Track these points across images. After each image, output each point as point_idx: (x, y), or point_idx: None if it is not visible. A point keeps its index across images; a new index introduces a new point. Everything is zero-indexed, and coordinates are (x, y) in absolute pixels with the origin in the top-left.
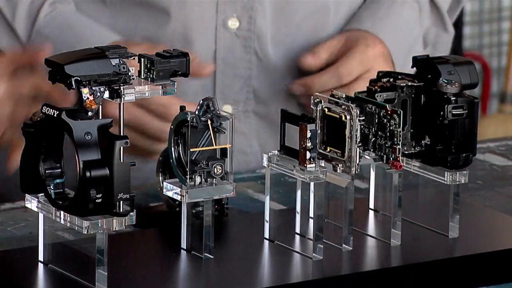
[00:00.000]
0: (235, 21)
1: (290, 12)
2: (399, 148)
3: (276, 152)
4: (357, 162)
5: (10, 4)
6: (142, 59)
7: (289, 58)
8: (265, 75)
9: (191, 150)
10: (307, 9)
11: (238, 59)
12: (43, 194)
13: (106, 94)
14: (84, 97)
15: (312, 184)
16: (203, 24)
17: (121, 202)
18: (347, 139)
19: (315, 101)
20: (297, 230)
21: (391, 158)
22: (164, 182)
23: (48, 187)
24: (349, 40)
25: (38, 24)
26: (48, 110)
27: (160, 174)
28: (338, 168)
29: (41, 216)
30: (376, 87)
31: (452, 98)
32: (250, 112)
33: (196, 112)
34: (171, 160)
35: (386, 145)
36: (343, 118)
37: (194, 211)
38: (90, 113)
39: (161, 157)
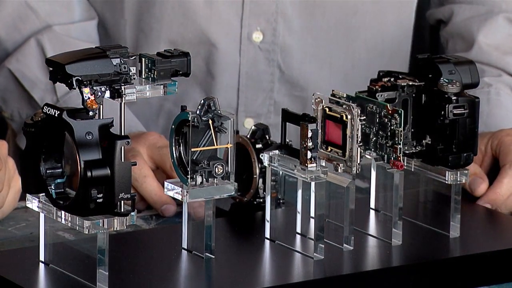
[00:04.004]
0: (259, 34)
1: (318, 25)
2: (400, 148)
3: (277, 151)
4: (358, 162)
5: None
6: (143, 59)
7: (318, 70)
8: (287, 88)
9: (192, 149)
10: (335, 22)
11: (262, 72)
12: (44, 194)
13: (107, 94)
14: (85, 97)
15: (313, 183)
16: (228, 37)
17: (122, 202)
18: (348, 139)
19: (316, 100)
20: (298, 229)
21: (392, 158)
22: (165, 182)
23: (49, 187)
24: (492, 135)
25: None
26: (49, 110)
27: None
28: (339, 167)
29: (42, 216)
30: (377, 86)
31: (453, 98)
32: (271, 125)
33: (197, 112)
34: (172, 160)
35: (387, 144)
36: (344, 117)
37: (255, 202)
38: (91, 113)
39: None
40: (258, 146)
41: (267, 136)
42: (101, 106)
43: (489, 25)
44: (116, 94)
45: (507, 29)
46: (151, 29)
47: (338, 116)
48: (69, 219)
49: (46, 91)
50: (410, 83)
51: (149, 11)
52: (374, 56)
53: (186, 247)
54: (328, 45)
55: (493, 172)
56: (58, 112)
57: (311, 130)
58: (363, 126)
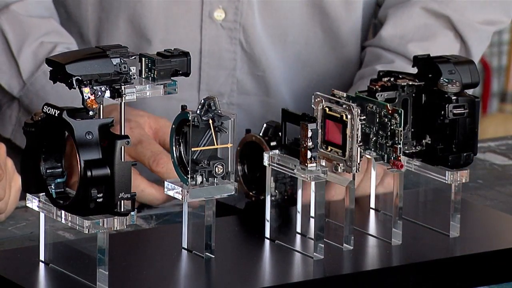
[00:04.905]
0: (221, 12)
1: (278, 3)
2: (400, 148)
3: (277, 151)
4: (358, 162)
5: (18, 39)
6: (143, 59)
7: (276, 49)
8: (249, 67)
9: (192, 149)
10: (296, 5)
11: (224, 50)
12: (44, 193)
13: (107, 94)
14: (85, 96)
15: (313, 183)
16: (188, 14)
17: (122, 201)
18: (348, 139)
19: (316, 100)
20: (298, 229)
21: (392, 158)
22: (165, 182)
23: (49, 187)
24: None
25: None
26: (49, 109)
27: (238, 164)
28: (339, 167)
29: (42, 215)
30: (377, 86)
31: (453, 98)
32: (234, 105)
33: (198, 112)
34: (172, 160)
35: (387, 144)
36: (344, 117)
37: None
38: (91, 113)
39: (239, 146)
40: (273, 144)
41: (280, 134)
42: (101, 105)
43: (401, 14)
44: (116, 94)
45: (422, 18)
46: (112, 7)
47: (338, 116)
48: (69, 218)
49: (11, 76)
50: (410, 83)
51: None
52: (330, 45)
53: (186, 247)
54: (284, 26)
55: None
56: (58, 112)
57: (311, 129)
58: (363, 126)
